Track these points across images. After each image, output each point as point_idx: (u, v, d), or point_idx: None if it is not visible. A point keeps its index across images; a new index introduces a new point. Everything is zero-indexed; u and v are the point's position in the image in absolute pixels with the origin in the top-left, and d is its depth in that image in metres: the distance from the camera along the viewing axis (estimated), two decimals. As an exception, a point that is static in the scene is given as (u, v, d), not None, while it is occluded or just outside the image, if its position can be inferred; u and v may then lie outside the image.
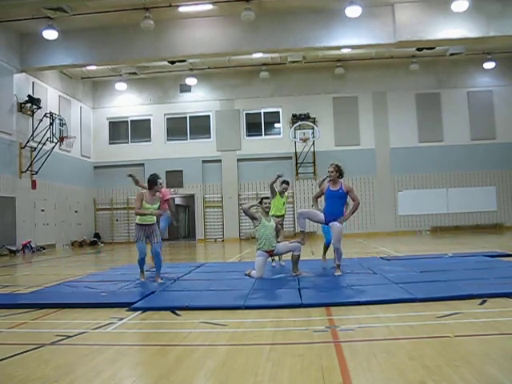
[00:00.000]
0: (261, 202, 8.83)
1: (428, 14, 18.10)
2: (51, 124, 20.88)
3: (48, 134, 20.72)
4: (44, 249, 20.47)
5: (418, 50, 22.23)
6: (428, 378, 3.41)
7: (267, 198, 9.16)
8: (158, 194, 8.83)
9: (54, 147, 21.20)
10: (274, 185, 10.83)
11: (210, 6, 18.12)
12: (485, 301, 5.93)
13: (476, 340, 4.39)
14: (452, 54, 22.84)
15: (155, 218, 8.67)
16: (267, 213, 8.88)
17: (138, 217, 8.52)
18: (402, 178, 25.26)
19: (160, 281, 8.49)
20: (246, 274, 8.86)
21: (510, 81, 25.20)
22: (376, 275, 8.29)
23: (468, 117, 25.21)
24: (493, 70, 24.75)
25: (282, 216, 10.87)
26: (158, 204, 8.76)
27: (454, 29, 18.00)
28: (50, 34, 18.02)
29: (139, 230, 8.54)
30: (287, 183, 11.03)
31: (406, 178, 25.26)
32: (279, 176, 10.67)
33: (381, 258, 11.67)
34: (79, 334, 5.14)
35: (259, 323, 5.47)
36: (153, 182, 8.59)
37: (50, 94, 22.39)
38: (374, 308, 5.87)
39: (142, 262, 8.73)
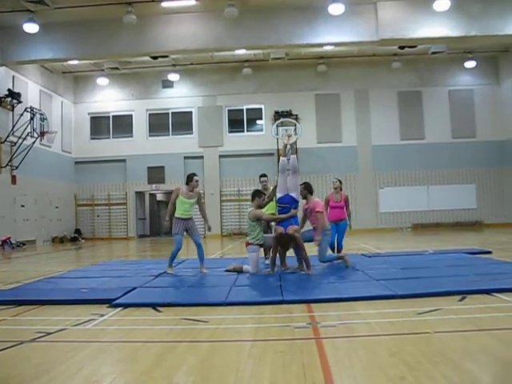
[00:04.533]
0: (259, 196, 8.87)
1: (410, 12, 18.21)
2: (32, 119, 20.63)
3: (28, 129, 20.46)
4: (24, 245, 20.20)
5: (400, 48, 22.34)
6: (408, 374, 3.45)
7: (263, 193, 9.18)
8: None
9: (34, 142, 20.96)
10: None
11: (193, 2, 18.02)
12: (464, 297, 6.00)
13: (456, 336, 4.44)
14: (434, 53, 23.04)
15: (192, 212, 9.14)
16: (261, 208, 8.91)
17: (180, 211, 8.96)
18: (383, 175, 25.41)
19: (205, 271, 8.93)
20: (227, 270, 8.90)
21: (490, 80, 25.50)
22: (357, 272, 8.34)
23: (449, 115, 25.46)
24: (474, 69, 25.01)
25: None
26: (195, 199, 9.14)
27: (435, 28, 18.14)
28: (31, 28, 17.74)
29: (179, 223, 8.96)
30: (264, 175, 10.93)
31: (387, 176, 25.41)
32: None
33: (362, 254, 11.72)
34: (59, 330, 5.10)
35: (240, 320, 5.47)
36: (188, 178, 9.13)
37: (31, 89, 22.08)
38: (355, 304, 5.90)
39: (176, 254, 9.12)
